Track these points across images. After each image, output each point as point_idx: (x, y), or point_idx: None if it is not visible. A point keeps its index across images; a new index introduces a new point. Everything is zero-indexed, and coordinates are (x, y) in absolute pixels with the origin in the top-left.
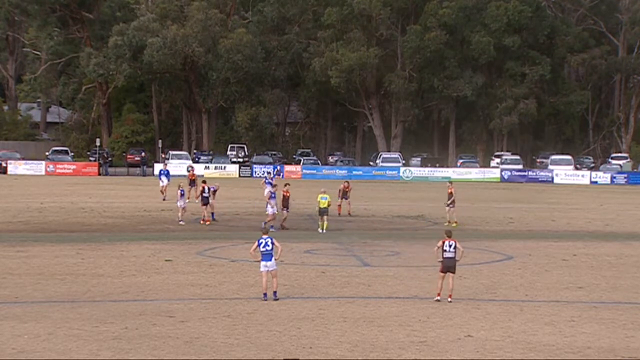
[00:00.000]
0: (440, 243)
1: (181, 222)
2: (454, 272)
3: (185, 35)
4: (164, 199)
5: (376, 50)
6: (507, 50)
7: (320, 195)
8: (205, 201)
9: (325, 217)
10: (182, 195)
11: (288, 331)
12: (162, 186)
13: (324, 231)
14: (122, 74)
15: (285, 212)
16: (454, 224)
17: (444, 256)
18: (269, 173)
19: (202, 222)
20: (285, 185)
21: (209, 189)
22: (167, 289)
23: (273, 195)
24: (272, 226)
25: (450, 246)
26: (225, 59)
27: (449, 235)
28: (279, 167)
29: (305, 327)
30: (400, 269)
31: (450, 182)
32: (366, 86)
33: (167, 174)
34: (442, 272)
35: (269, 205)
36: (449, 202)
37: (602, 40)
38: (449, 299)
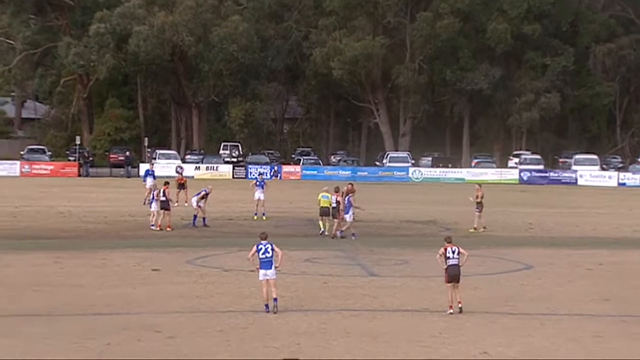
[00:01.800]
0: (442, 250)
1: (153, 227)
2: (458, 281)
3: (174, 23)
4: (145, 202)
5: (383, 39)
6: (526, 39)
7: (321, 194)
8: (163, 206)
9: (326, 218)
10: (153, 199)
11: (287, 347)
12: (148, 188)
13: (327, 232)
14: (104, 66)
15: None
16: (482, 229)
17: (448, 264)
18: (260, 174)
19: (157, 228)
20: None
21: (159, 192)
22: (154, 301)
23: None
24: (353, 234)
25: (453, 252)
26: (218, 49)
27: (449, 241)
28: (276, 168)
29: (305, 342)
30: (409, 279)
31: (480, 185)
32: (372, 79)
33: (153, 175)
34: (448, 282)
35: (349, 213)
36: (477, 206)
37: (631, 28)
38: (459, 306)
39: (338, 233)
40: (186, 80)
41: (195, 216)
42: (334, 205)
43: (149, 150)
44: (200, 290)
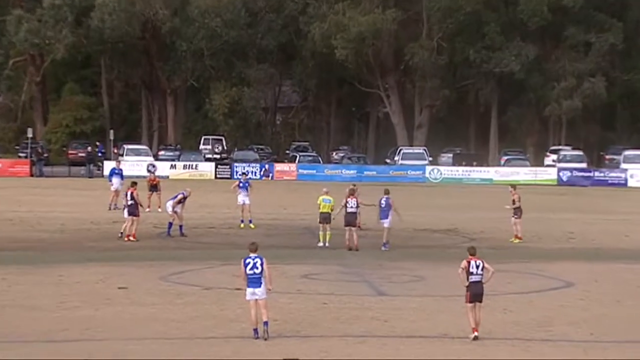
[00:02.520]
0: (464, 264)
1: (129, 238)
2: (481, 302)
3: None
4: (110, 208)
5: (394, 12)
6: (566, 12)
7: (321, 197)
8: (131, 211)
9: (327, 226)
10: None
11: None
12: (113, 190)
13: (327, 244)
14: (62, 44)
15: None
16: (516, 240)
17: (471, 280)
18: (244, 174)
19: (126, 239)
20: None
21: (126, 195)
22: (121, 326)
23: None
24: (384, 244)
25: (477, 267)
26: (199, 24)
27: (472, 253)
28: (267, 166)
29: None
30: (426, 299)
31: (513, 187)
32: (381, 60)
33: (120, 175)
34: (469, 302)
35: (387, 219)
36: (514, 211)
37: None
38: (475, 334)
39: (384, 246)
40: (160, 62)
41: (170, 224)
42: (352, 210)
43: (115, 147)
44: (176, 313)
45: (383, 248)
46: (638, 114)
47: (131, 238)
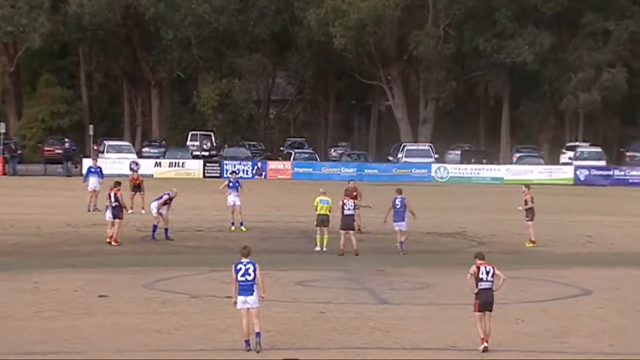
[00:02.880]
0: (473, 270)
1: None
2: (491, 310)
3: None
4: (90, 209)
5: None
6: None
7: (318, 198)
8: (115, 213)
9: (325, 229)
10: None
11: None
12: (90, 190)
13: (325, 249)
14: (37, 32)
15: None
16: (530, 244)
17: (480, 287)
18: (234, 173)
19: (109, 241)
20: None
21: (109, 196)
22: (102, 337)
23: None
24: (400, 244)
25: (487, 273)
26: (185, 10)
27: (481, 258)
28: (260, 164)
29: None
30: (432, 308)
31: (527, 187)
32: (384, 49)
33: (98, 173)
34: (478, 310)
35: (403, 221)
36: (526, 213)
37: None
38: (484, 345)
39: (400, 246)
40: (143, 51)
41: (155, 226)
42: (350, 212)
43: (95, 144)
44: (161, 323)
45: (401, 251)
46: None
47: (112, 242)
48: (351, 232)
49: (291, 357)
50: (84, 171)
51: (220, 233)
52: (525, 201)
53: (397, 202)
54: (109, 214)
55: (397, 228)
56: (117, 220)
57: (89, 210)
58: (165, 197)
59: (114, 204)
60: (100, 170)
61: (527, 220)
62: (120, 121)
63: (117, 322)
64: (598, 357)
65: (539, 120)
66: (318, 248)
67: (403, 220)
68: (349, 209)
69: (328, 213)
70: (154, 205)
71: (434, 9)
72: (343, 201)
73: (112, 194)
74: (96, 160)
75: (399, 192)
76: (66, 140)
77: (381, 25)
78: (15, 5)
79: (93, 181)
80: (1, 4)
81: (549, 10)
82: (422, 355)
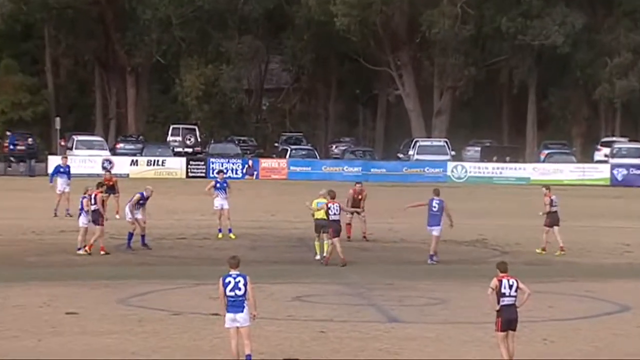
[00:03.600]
0: (495, 283)
1: (80, 251)
2: (515, 329)
3: None
4: (57, 214)
5: None
6: None
7: (316, 201)
8: (94, 218)
9: (324, 235)
10: (82, 209)
11: None
12: (59, 193)
13: (325, 253)
14: None
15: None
16: (541, 251)
17: (503, 303)
18: (221, 172)
19: (86, 249)
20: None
21: (90, 198)
22: None
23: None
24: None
25: (510, 287)
26: None
27: (504, 269)
28: (251, 162)
29: None
30: (447, 327)
31: (547, 188)
32: (392, 30)
33: (67, 173)
34: (500, 330)
35: (439, 225)
36: (547, 217)
37: None
38: None
39: (431, 259)
40: (117, 33)
41: (130, 234)
42: (335, 217)
43: (62, 139)
44: (138, 344)
45: (429, 261)
46: None
47: (86, 249)
48: (336, 239)
49: None
50: (50, 170)
51: (206, 241)
52: (545, 204)
53: (435, 204)
54: (83, 220)
55: (431, 232)
56: (98, 227)
57: (55, 215)
58: (137, 196)
59: (93, 207)
60: (69, 170)
61: (545, 226)
62: (92, 113)
63: (88, 343)
64: None
65: (570, 112)
66: (318, 257)
67: (439, 224)
68: (334, 214)
69: (326, 217)
70: (127, 209)
71: None
72: (327, 205)
73: (92, 196)
74: (66, 159)
75: (437, 193)
76: (29, 135)
77: (389, 3)
78: None
79: (61, 182)
80: None
81: None
82: None
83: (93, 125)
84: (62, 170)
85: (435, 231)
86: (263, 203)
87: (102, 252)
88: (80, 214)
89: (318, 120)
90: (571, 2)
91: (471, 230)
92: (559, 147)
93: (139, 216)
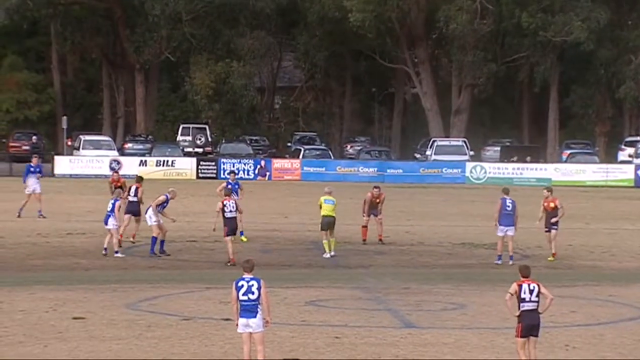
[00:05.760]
0: (514, 288)
1: (117, 254)
2: (537, 336)
3: None
4: (20, 214)
5: None
6: None
7: (323, 198)
8: (132, 209)
9: (330, 231)
10: (112, 211)
11: None
12: (28, 193)
13: (333, 253)
14: (2, 7)
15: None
16: (551, 258)
17: (523, 308)
18: (233, 173)
19: (132, 240)
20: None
21: (130, 189)
22: None
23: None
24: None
25: (531, 292)
26: None
27: (525, 274)
28: (263, 163)
29: None
30: (466, 333)
31: (549, 190)
32: (409, 27)
33: (40, 173)
34: (521, 336)
35: (513, 226)
36: (552, 221)
37: None
38: None
39: (511, 259)
40: (126, 30)
41: (154, 238)
42: (230, 214)
43: (69, 139)
44: (146, 350)
45: (511, 262)
46: None
47: (131, 238)
48: (228, 238)
49: None
50: (57, 170)
51: (217, 244)
52: (545, 207)
53: (508, 203)
54: (113, 222)
55: (501, 234)
56: (135, 217)
57: (19, 216)
58: (162, 197)
59: (132, 198)
60: (40, 170)
61: (553, 229)
62: (99, 112)
63: (94, 349)
64: None
65: (593, 111)
66: (327, 255)
67: (513, 224)
68: (230, 211)
69: (334, 215)
70: (150, 214)
71: None
72: (223, 202)
73: (133, 188)
74: (37, 159)
75: (507, 192)
76: (34, 133)
77: None
78: None
79: (32, 182)
80: None
81: None
82: None
83: (100, 124)
84: (32, 170)
85: (510, 231)
86: (275, 205)
87: (132, 239)
88: (108, 216)
89: (332, 119)
90: None
91: (490, 233)
92: (581, 147)
93: (160, 219)
